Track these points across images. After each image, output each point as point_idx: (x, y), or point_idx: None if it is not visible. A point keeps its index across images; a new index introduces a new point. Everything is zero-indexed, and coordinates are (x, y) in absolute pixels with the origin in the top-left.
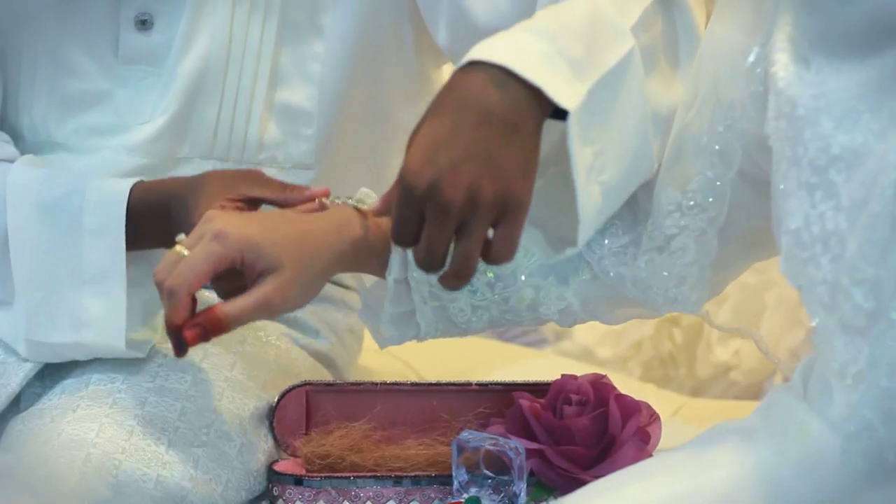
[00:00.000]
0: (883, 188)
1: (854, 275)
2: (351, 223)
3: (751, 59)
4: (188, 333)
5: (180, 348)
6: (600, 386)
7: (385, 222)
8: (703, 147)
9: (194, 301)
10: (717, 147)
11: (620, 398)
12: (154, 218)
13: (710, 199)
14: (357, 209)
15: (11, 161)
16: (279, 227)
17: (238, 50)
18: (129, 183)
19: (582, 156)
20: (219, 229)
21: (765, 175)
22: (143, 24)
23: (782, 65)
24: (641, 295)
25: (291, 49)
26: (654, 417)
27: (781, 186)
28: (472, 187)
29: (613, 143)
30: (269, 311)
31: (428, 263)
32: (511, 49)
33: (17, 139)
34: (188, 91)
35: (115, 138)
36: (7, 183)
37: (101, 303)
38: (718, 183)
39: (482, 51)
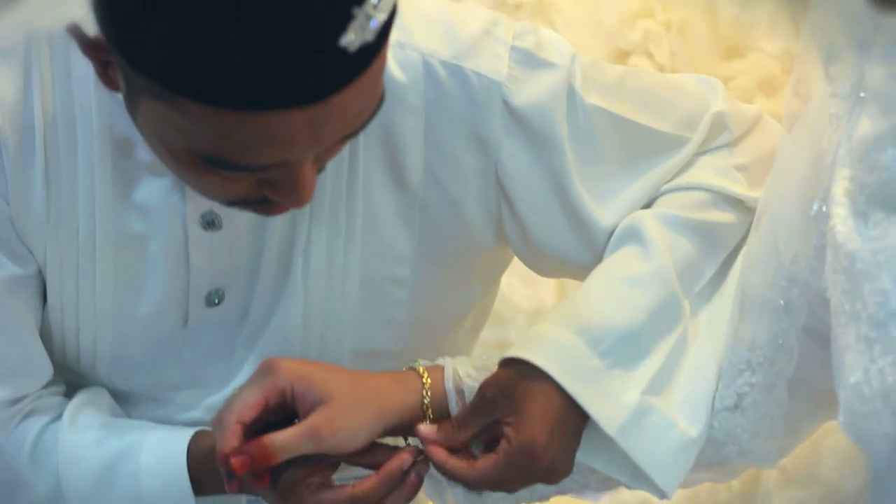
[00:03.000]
0: None
1: None
2: (408, 378)
3: (812, 213)
4: (234, 461)
5: (230, 479)
6: None
7: (441, 378)
8: (767, 302)
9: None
10: (781, 302)
11: None
12: (214, 475)
13: (779, 354)
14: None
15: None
16: (331, 367)
17: (317, 318)
18: (185, 438)
19: (646, 451)
20: (272, 362)
21: (829, 329)
22: (214, 301)
23: (840, 219)
24: (715, 454)
25: (374, 304)
26: None
27: (840, 340)
28: (560, 474)
29: (690, 403)
30: (317, 442)
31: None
32: (566, 363)
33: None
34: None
35: (187, 395)
36: (59, 460)
37: None
38: (785, 337)
39: (546, 359)
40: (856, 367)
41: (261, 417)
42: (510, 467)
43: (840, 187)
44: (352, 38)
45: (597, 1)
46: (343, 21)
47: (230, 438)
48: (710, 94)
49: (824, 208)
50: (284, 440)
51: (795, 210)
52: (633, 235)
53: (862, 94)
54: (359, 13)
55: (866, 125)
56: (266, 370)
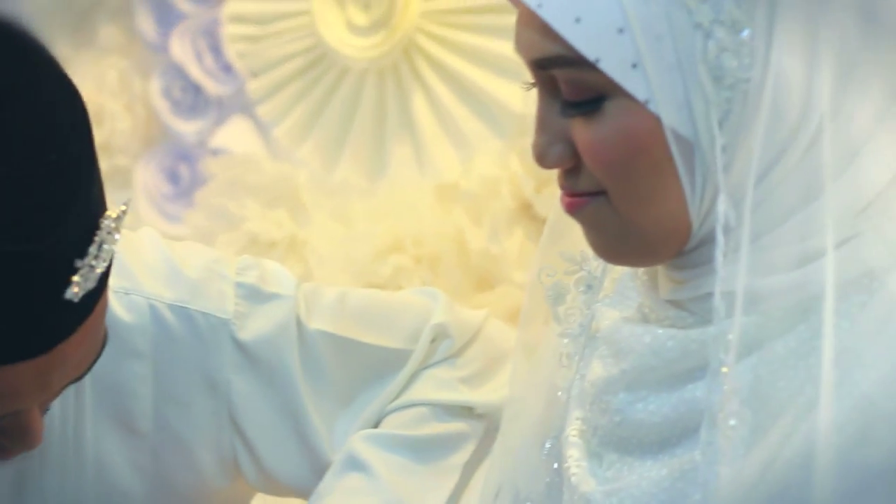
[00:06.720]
0: None
1: None
2: None
3: (544, 452)
4: None
5: None
6: None
7: None
8: None
9: None
10: None
11: None
12: None
13: None
14: None
15: None
16: None
17: None
18: None
19: None
20: None
21: None
22: None
23: (574, 460)
24: None
25: None
26: None
27: None
28: None
29: None
30: None
31: None
32: None
33: None
34: None
35: None
36: None
37: None
38: None
39: None
40: None
41: None
42: None
43: (574, 428)
44: (76, 291)
45: (349, 237)
46: (66, 274)
47: None
48: (432, 303)
49: (557, 447)
50: None
51: (531, 446)
52: (353, 463)
53: (596, 335)
54: (81, 265)
55: (598, 367)
56: None
